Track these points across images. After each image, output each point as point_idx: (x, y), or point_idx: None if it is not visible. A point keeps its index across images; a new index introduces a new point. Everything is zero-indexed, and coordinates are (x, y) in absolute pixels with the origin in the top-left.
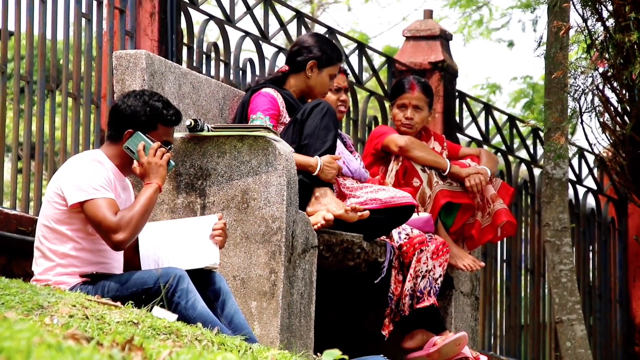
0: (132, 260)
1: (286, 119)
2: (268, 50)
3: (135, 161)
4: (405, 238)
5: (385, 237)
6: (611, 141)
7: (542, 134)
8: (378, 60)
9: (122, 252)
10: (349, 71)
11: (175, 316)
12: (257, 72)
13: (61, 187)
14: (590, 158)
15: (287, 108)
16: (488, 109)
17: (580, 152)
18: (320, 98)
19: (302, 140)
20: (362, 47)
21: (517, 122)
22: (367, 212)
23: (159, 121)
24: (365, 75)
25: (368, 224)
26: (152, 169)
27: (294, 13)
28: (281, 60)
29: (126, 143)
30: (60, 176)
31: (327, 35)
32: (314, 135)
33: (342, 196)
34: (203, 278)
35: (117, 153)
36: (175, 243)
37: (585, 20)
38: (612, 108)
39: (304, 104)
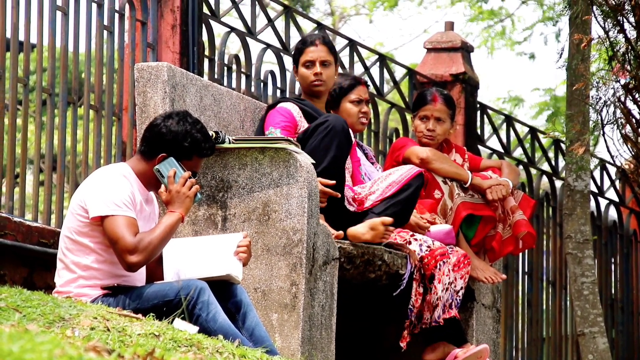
0: (155, 272)
1: (305, 128)
2: (289, 62)
3: (162, 185)
4: (426, 250)
5: (405, 249)
6: (633, 153)
7: (563, 146)
8: (399, 72)
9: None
10: (370, 83)
11: (197, 328)
12: (279, 84)
13: (84, 200)
14: (612, 170)
15: (307, 117)
16: (509, 120)
17: (602, 164)
18: (314, 90)
19: None
20: (383, 59)
21: (539, 134)
22: (341, 233)
23: (195, 153)
24: (386, 87)
25: (394, 210)
26: (179, 198)
27: (315, 25)
28: None
29: (157, 166)
30: (85, 188)
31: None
32: (311, 155)
33: (360, 203)
34: (224, 290)
35: (145, 170)
36: (199, 256)
37: (606, 32)
38: (633, 120)
39: (320, 116)
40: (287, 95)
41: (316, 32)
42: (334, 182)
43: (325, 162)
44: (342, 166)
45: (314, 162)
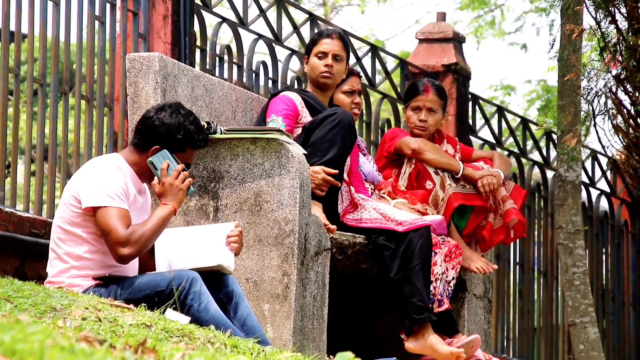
0: (148, 263)
1: (306, 119)
2: (281, 53)
3: (156, 178)
4: None
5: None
6: (624, 144)
7: (555, 137)
8: (391, 63)
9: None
10: (362, 74)
11: (188, 318)
12: (270, 75)
13: (77, 190)
14: (604, 161)
15: (309, 109)
16: (501, 111)
17: (593, 154)
18: (321, 81)
19: (305, 149)
20: (375, 50)
21: (530, 125)
22: (334, 227)
23: (189, 145)
24: (378, 78)
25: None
26: (172, 191)
27: (307, 15)
28: (294, 63)
29: (151, 158)
30: (78, 179)
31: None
32: (316, 146)
33: (355, 206)
34: (216, 280)
35: (138, 162)
36: (191, 246)
37: (598, 23)
38: (625, 110)
39: (326, 109)
40: (279, 85)
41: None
42: (336, 171)
43: (329, 154)
44: (343, 161)
45: (305, 152)
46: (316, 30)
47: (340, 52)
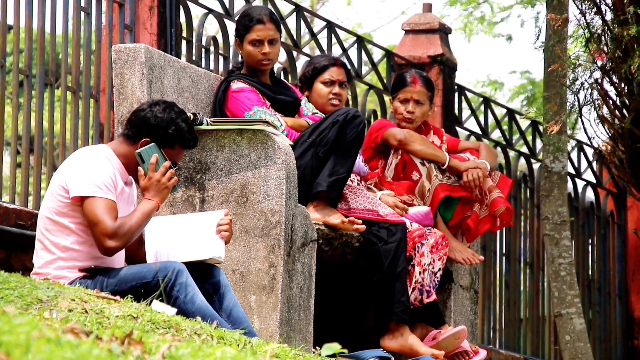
0: (137, 253)
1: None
2: None
3: (141, 170)
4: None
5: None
6: (610, 134)
7: (541, 128)
8: (377, 54)
9: None
10: (347, 65)
11: (174, 310)
12: None
13: (66, 179)
14: (590, 151)
15: (262, 94)
16: (487, 102)
17: (579, 145)
18: (260, 67)
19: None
20: (361, 41)
21: (517, 116)
22: (363, 226)
23: (179, 142)
24: (364, 69)
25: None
26: (158, 187)
27: (293, 7)
28: (281, 56)
29: (139, 150)
30: (66, 168)
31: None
32: (336, 145)
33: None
34: (202, 271)
35: (126, 153)
36: (181, 236)
37: (583, 14)
38: (611, 101)
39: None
40: None
41: (259, 3)
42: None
43: (348, 165)
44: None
45: (292, 143)
46: (302, 22)
47: (275, 34)
